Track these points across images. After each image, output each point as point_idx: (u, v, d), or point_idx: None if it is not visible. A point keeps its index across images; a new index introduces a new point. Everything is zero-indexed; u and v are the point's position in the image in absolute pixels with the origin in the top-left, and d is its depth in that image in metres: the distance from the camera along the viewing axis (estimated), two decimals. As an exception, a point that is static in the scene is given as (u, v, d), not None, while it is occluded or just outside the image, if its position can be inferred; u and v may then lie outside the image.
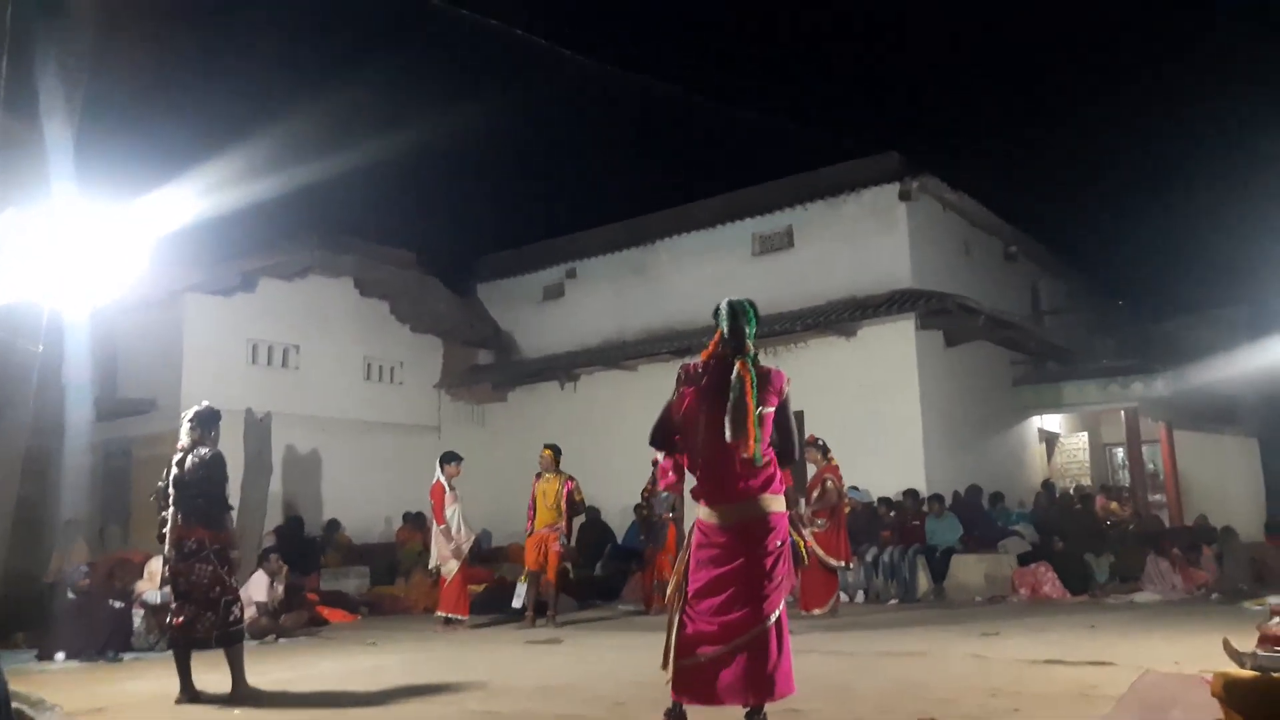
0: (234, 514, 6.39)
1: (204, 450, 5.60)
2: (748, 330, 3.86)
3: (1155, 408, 14.53)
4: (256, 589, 9.10)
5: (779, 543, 3.73)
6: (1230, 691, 3.51)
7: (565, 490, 9.53)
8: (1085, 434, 16.82)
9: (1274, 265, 14.43)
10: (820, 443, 9.49)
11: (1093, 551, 11.01)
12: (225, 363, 13.19)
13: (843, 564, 9.33)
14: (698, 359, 3.96)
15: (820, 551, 8.97)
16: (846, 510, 9.70)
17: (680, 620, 3.74)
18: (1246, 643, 4.79)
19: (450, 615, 9.34)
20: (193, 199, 8.74)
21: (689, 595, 3.74)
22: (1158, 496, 15.47)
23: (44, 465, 9.76)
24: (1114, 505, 13.28)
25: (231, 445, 11.54)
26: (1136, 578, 10.51)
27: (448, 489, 9.45)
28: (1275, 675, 3.56)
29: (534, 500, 9.61)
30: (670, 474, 9.52)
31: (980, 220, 14.81)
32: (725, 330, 3.87)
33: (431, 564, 9.73)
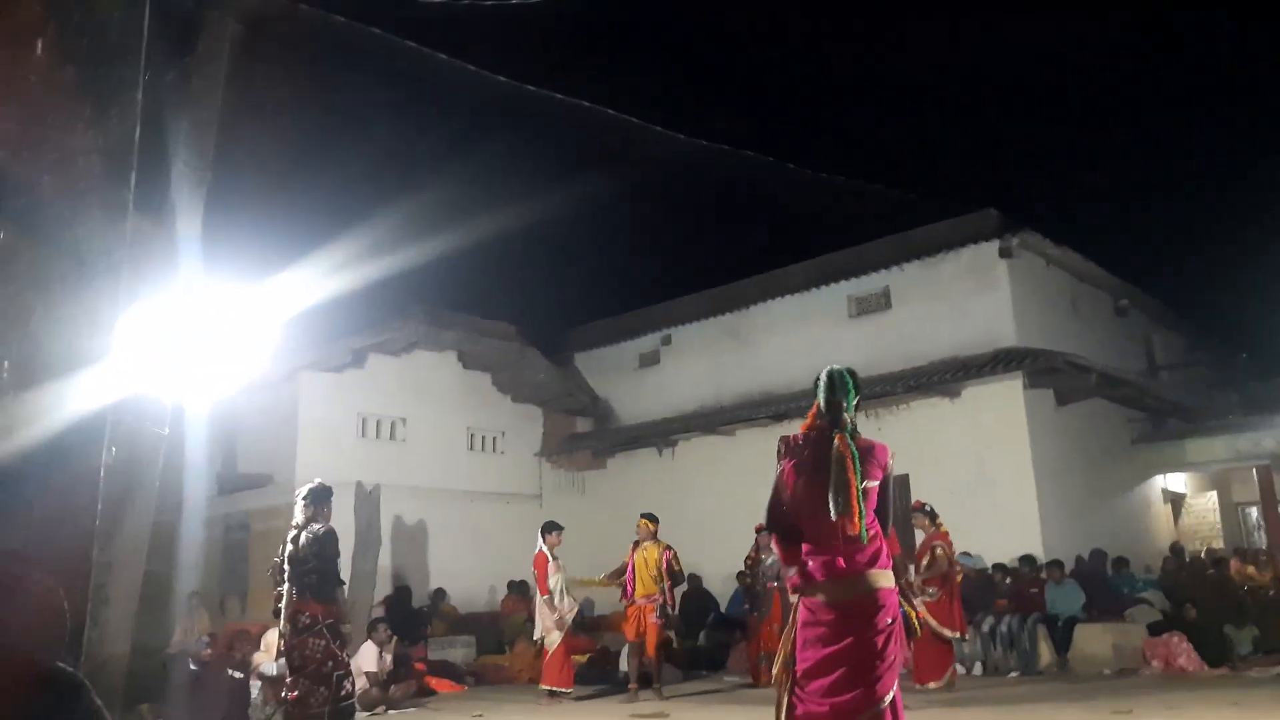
0: (345, 587, 6.57)
1: (317, 526, 5.79)
2: (846, 403, 3.78)
3: (1290, 464, 13.65)
4: (366, 659, 9.25)
5: (890, 620, 3.60)
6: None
7: (664, 559, 9.50)
8: (1214, 493, 15.91)
9: None
10: (928, 508, 9.22)
11: (1230, 620, 10.29)
12: (337, 437, 13.67)
13: (957, 635, 8.97)
14: (798, 430, 3.90)
15: (933, 622, 8.64)
16: (959, 578, 9.36)
17: (789, 702, 3.63)
18: None
19: (554, 689, 9.25)
20: (308, 283, 9.21)
21: (798, 675, 3.65)
22: (1299, 559, 14.45)
23: (169, 542, 10.20)
24: (1251, 569, 12.41)
25: (343, 518, 11.93)
26: (1281, 649, 9.77)
27: (550, 558, 9.45)
28: None
29: (633, 570, 9.57)
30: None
31: (1087, 275, 14.36)
32: (821, 403, 3.81)
33: (536, 634, 9.71)
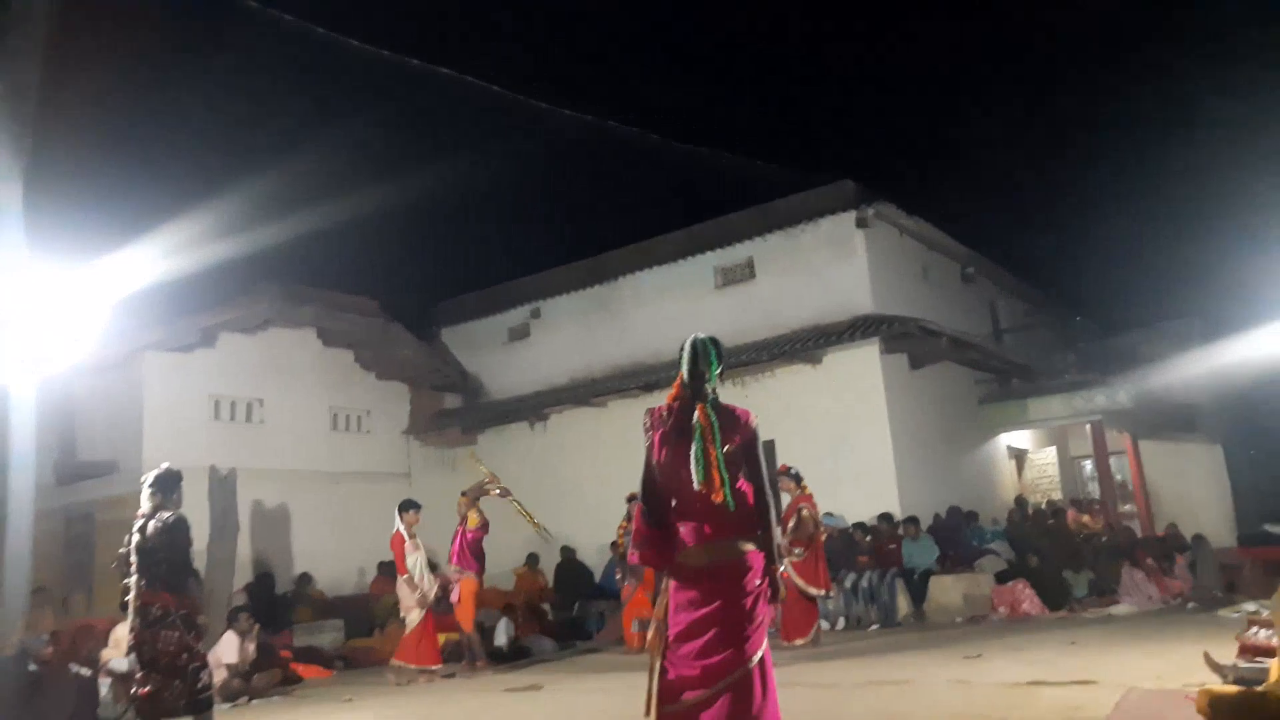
0: (200, 577, 6.26)
1: (166, 514, 5.49)
2: (708, 372, 3.82)
3: (1119, 419, 14.73)
4: (226, 650, 8.89)
5: (757, 582, 3.68)
6: (1216, 709, 3.51)
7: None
8: (1053, 449, 17.00)
9: (1222, 277, 14.79)
10: (793, 471, 9.49)
11: (1069, 566, 11.08)
12: (187, 420, 12.98)
13: (823, 593, 9.30)
14: (664, 401, 3.93)
15: (800, 581, 8.93)
16: (823, 538, 9.69)
17: (661, 666, 3.68)
18: (1226, 654, 4.82)
19: (404, 664, 9.18)
20: (149, 258, 8.65)
21: (669, 640, 3.69)
22: (1128, 507, 15.65)
23: (-1, 535, 9.47)
24: (1086, 518, 13.39)
25: (195, 504, 11.34)
26: (1113, 590, 10.58)
27: (407, 538, 9.35)
28: (1258, 689, 3.57)
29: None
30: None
31: (936, 243, 15.02)
32: (685, 373, 3.84)
33: (403, 614, 9.57)
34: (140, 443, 12.32)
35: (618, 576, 11.22)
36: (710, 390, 3.80)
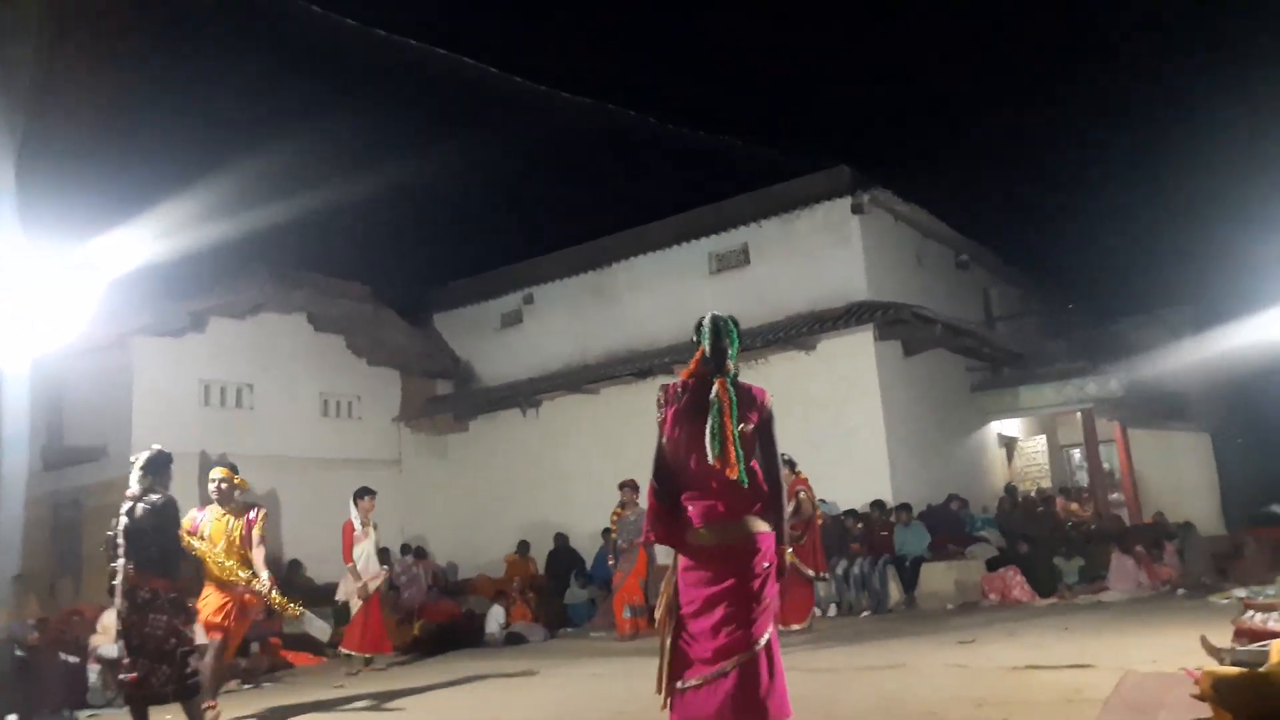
0: (191, 559, 6.21)
1: (155, 497, 5.42)
2: (730, 349, 3.80)
3: (1109, 408, 14.77)
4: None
5: (766, 564, 3.65)
6: (1220, 690, 3.50)
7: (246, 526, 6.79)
8: (1043, 437, 17.04)
9: (1213, 266, 14.84)
10: (787, 457, 9.48)
11: (1058, 553, 11.12)
12: (177, 406, 12.87)
13: (820, 575, 9.32)
14: (678, 379, 3.89)
15: (799, 564, 8.94)
16: (820, 522, 9.70)
17: (675, 644, 3.66)
18: (1221, 638, 4.84)
19: (350, 652, 9.23)
20: (140, 241, 8.55)
21: (683, 618, 3.67)
22: (1116, 495, 15.70)
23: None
24: (1074, 506, 13.44)
25: (185, 490, 11.30)
26: (1102, 577, 10.62)
27: (358, 526, 9.37)
28: (1261, 670, 3.57)
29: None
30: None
31: (931, 230, 15.01)
32: (707, 348, 3.79)
33: (339, 596, 9.71)
34: (129, 428, 12.22)
35: (610, 563, 11.20)
36: (731, 366, 3.77)
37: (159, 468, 5.56)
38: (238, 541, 6.65)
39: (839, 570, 10.93)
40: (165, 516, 5.41)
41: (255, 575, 6.57)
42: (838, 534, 11.36)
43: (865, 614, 10.53)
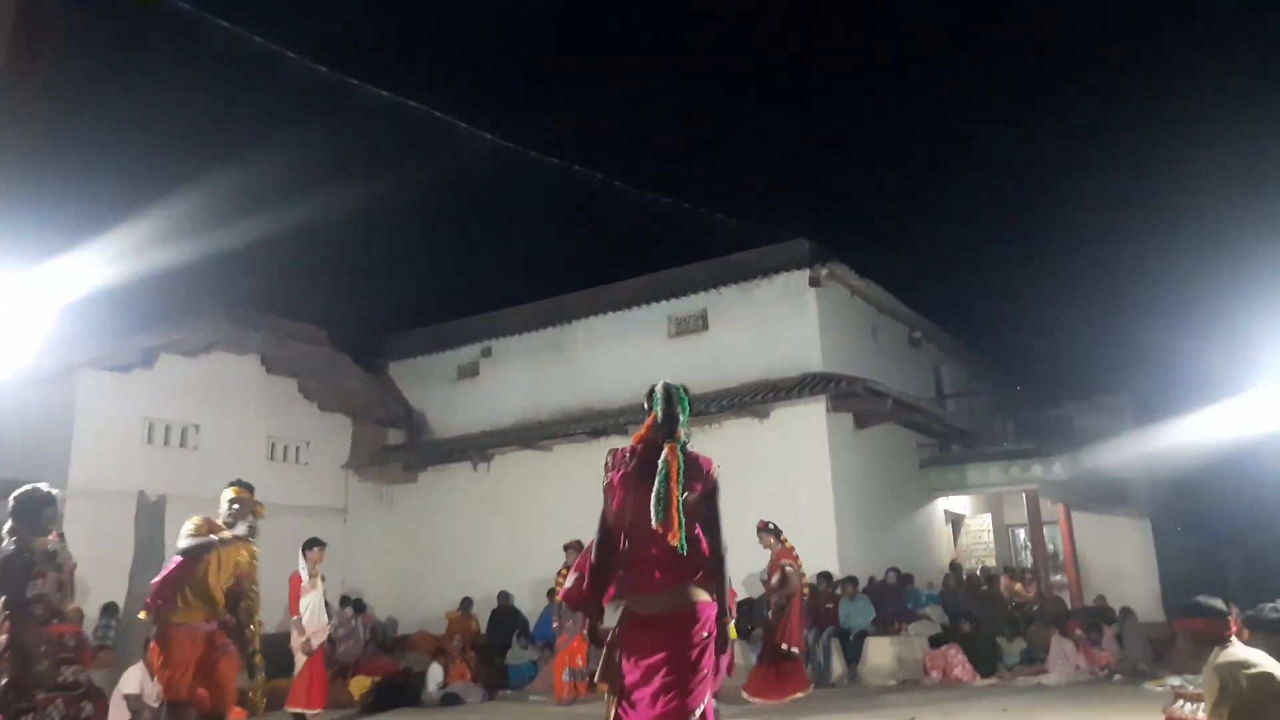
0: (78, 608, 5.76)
1: (6, 544, 5.03)
2: (681, 416, 3.85)
3: (1053, 490, 15.01)
4: (129, 682, 8.63)
5: (705, 634, 3.65)
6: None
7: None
8: (989, 515, 17.25)
9: (1153, 355, 15.30)
10: (772, 526, 9.53)
11: (1000, 633, 11.19)
12: (119, 442, 12.54)
13: (791, 650, 9.28)
14: (629, 442, 3.92)
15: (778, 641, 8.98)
16: (806, 593, 9.74)
17: (617, 714, 3.64)
18: (1152, 725, 4.90)
19: (299, 710, 9.02)
20: (91, 270, 8.44)
21: (625, 686, 3.65)
22: (1059, 577, 15.88)
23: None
24: (1018, 586, 13.56)
25: (122, 529, 11.02)
26: (1042, 659, 10.69)
27: (306, 578, 9.21)
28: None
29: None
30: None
31: (885, 306, 15.32)
32: (659, 414, 3.84)
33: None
34: (68, 462, 11.87)
35: (554, 625, 11.06)
36: (682, 433, 3.81)
37: (28, 510, 5.12)
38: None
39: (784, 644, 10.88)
40: (7, 568, 4.97)
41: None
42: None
43: (809, 688, 10.46)
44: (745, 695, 9.04)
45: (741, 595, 10.95)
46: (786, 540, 9.43)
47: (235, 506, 5.93)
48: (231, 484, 6.11)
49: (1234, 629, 3.74)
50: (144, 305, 12.56)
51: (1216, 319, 14.17)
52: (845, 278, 14.03)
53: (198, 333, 13.28)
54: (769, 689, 8.96)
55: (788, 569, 9.25)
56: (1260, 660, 3.66)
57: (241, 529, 5.90)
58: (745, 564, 10.64)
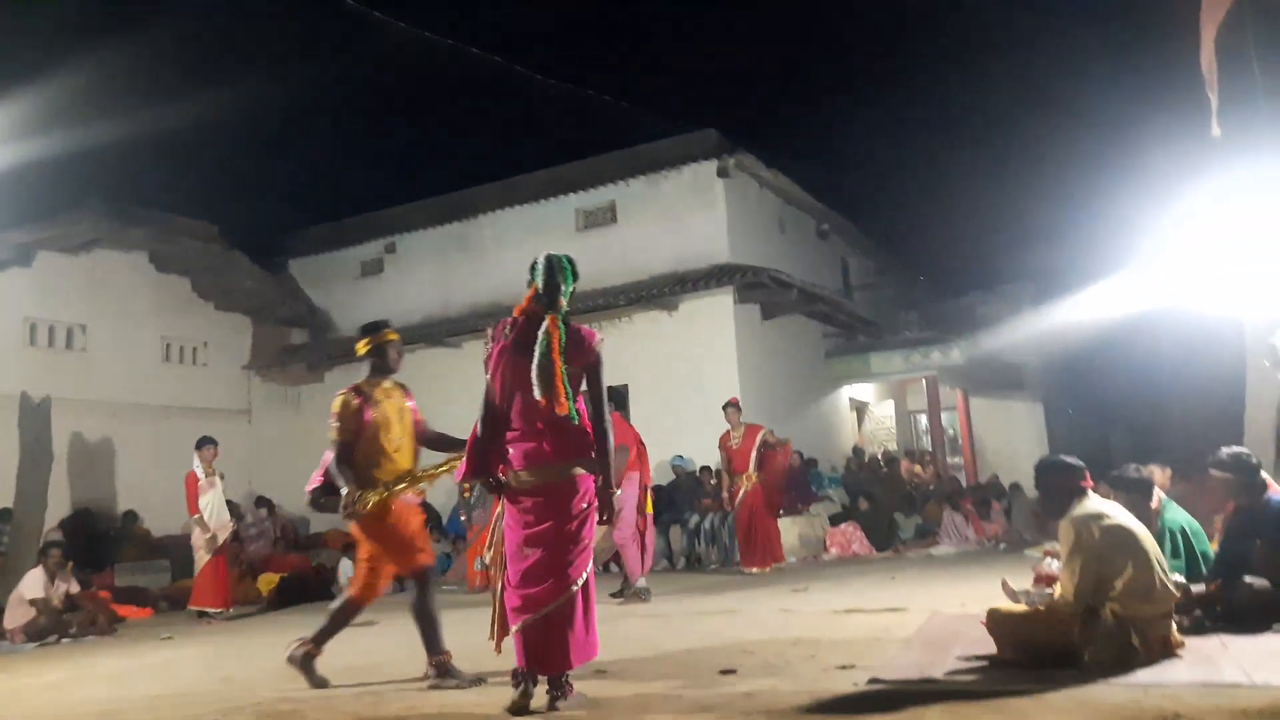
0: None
1: None
2: (563, 287, 3.78)
3: (952, 376, 15.55)
4: (30, 587, 8.40)
5: (584, 505, 3.66)
6: (995, 622, 3.77)
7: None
8: (892, 402, 17.81)
9: (1052, 244, 15.75)
10: (738, 403, 9.89)
11: (899, 511, 11.70)
12: (-3, 343, 11.99)
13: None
14: (512, 315, 3.84)
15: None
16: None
17: (502, 600, 3.67)
18: (1024, 583, 5.20)
19: (204, 609, 9.01)
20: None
21: (507, 559, 3.67)
22: (956, 459, 16.62)
23: None
24: (917, 468, 14.14)
25: (5, 433, 10.58)
26: (935, 533, 11.23)
27: (201, 476, 9.08)
28: (1039, 607, 3.85)
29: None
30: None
31: (794, 198, 15.34)
32: (540, 285, 3.78)
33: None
34: (-61, 365, 11.32)
35: (462, 518, 11.12)
36: (563, 304, 3.75)
37: None
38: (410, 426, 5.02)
39: (690, 524, 11.18)
40: None
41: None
42: (691, 490, 11.60)
43: (713, 567, 10.81)
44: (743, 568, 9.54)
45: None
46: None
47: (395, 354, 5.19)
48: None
49: (1088, 482, 3.91)
50: (17, 200, 11.82)
51: (1105, 202, 14.61)
52: (753, 169, 13.96)
53: (76, 228, 12.58)
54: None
55: (770, 438, 9.65)
56: (1114, 512, 3.86)
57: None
58: (661, 448, 10.92)
